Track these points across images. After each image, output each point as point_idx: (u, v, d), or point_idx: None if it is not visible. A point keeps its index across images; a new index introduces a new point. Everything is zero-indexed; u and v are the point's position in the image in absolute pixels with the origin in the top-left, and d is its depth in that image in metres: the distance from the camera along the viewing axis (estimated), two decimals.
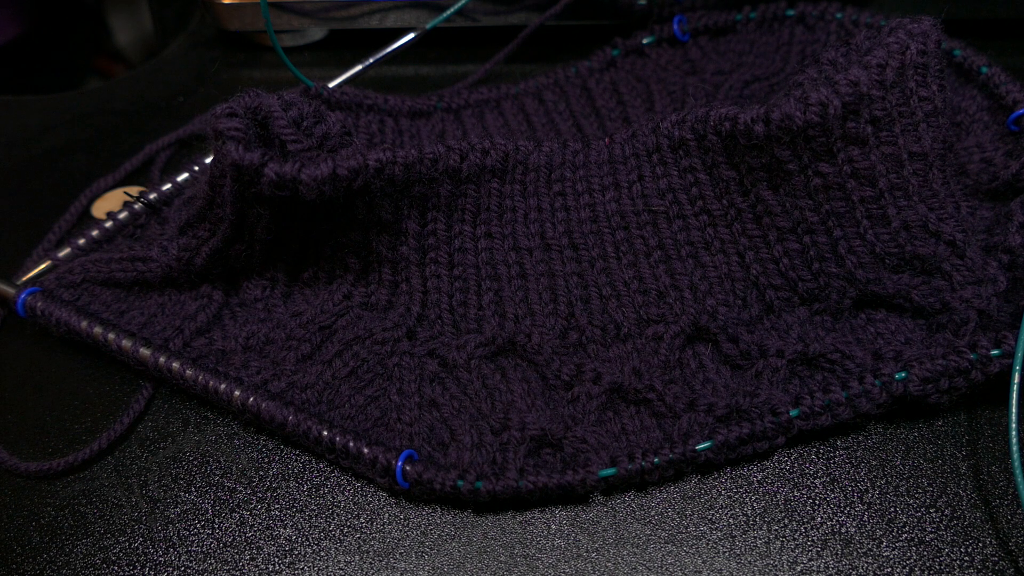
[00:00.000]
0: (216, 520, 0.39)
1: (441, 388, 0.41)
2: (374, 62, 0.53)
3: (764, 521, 0.38)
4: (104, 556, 0.38)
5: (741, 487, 0.39)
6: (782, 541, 0.37)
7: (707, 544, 0.37)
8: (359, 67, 0.53)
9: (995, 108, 0.46)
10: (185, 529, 0.39)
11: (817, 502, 0.38)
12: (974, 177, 0.43)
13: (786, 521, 0.38)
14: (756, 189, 0.41)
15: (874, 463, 0.39)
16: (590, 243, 0.43)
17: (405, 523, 0.38)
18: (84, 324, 0.42)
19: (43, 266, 0.46)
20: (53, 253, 0.46)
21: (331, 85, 0.51)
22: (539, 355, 0.41)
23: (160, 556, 0.38)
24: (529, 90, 0.54)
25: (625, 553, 0.37)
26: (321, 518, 0.39)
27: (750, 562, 0.37)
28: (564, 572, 0.37)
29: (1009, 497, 0.38)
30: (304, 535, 0.38)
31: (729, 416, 0.39)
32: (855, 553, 0.37)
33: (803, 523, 0.38)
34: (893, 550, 0.37)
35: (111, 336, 0.42)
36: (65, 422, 0.42)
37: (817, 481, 0.39)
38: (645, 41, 0.54)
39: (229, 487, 0.40)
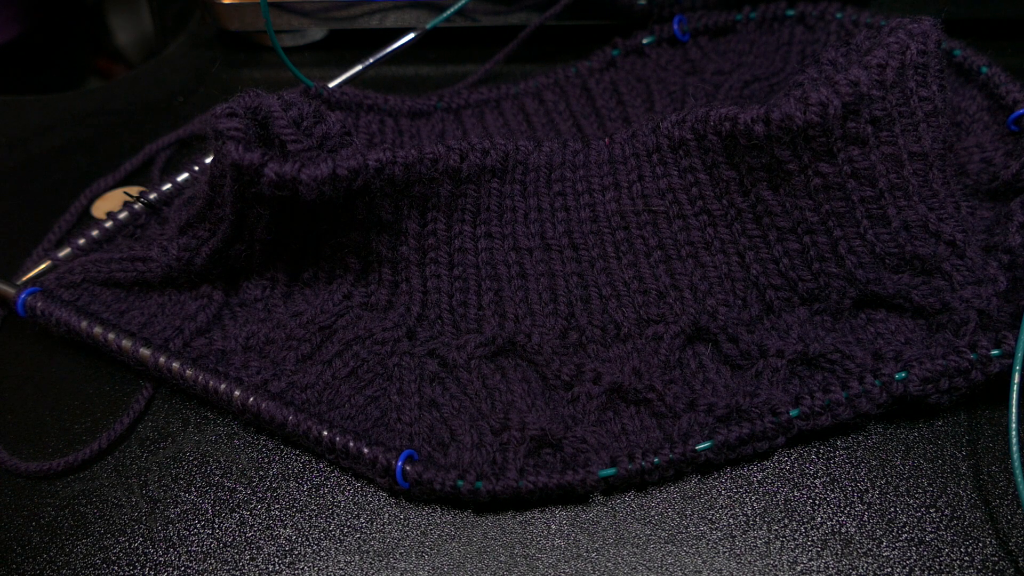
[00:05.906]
0: (216, 520, 0.39)
1: (441, 388, 0.41)
2: (374, 62, 0.53)
3: (764, 521, 0.38)
4: (104, 556, 0.38)
5: (741, 487, 0.39)
6: (782, 541, 0.37)
7: (707, 544, 0.37)
8: (359, 67, 0.53)
9: (995, 108, 0.46)
10: (185, 529, 0.39)
11: (817, 502, 0.38)
12: (974, 177, 0.43)
13: (786, 521, 0.38)
14: (756, 189, 0.41)
15: (874, 463, 0.39)
16: (590, 243, 0.43)
17: (405, 523, 0.38)
18: (84, 324, 0.42)
19: (43, 266, 0.46)
20: (53, 253, 0.46)
21: (331, 85, 0.51)
22: (539, 355, 0.41)
23: (160, 556, 0.38)
24: (529, 90, 0.54)
25: (625, 553, 0.37)
26: (321, 518, 0.39)
27: (750, 562, 0.37)
28: (564, 572, 0.37)
29: (1009, 497, 0.38)
30: (304, 535, 0.38)
31: (729, 416, 0.39)
32: (855, 553, 0.37)
33: (803, 523, 0.38)
34: (893, 550, 0.37)
35: (111, 336, 0.42)
36: (65, 422, 0.42)
37: (817, 481, 0.39)
38: (645, 41, 0.54)
39: (229, 487, 0.40)
